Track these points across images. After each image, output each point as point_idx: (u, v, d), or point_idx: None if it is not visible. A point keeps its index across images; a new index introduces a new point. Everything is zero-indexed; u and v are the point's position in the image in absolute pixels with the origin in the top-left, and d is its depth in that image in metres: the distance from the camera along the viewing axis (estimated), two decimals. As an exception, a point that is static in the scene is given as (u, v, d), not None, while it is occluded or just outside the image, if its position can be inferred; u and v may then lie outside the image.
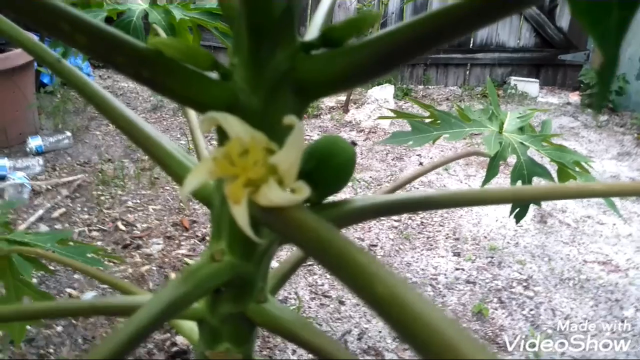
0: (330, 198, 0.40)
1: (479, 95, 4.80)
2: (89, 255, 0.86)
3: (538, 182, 0.84)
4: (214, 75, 0.32)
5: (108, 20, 1.01)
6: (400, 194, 0.39)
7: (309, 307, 1.88)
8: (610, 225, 2.63)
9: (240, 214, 0.26)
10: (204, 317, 0.39)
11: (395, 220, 2.54)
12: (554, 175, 1.04)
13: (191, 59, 0.30)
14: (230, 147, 0.27)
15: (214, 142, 2.34)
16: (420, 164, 3.33)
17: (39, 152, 2.79)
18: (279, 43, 0.31)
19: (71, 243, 0.90)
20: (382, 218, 2.47)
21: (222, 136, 0.32)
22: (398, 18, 4.82)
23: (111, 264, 1.97)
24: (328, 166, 0.37)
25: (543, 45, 5.05)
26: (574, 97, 4.86)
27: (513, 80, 4.90)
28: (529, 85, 4.85)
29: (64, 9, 0.26)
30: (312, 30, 0.44)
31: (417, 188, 2.89)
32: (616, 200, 2.14)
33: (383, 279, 0.21)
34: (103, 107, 0.41)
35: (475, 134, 1.30)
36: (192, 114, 0.56)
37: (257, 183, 0.27)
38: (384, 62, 0.30)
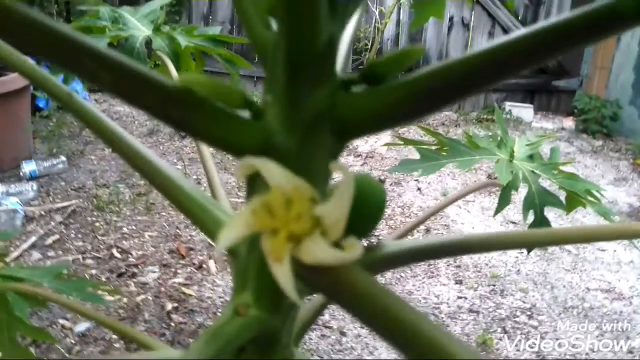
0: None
1: (474, 120, 4.82)
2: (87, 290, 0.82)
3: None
4: (245, 114, 0.29)
5: (110, 46, 0.99)
6: (438, 238, 0.36)
7: (310, 339, 1.82)
8: (610, 252, 2.61)
9: (283, 274, 0.23)
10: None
11: (395, 247, 2.50)
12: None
13: (223, 96, 0.27)
14: (271, 198, 0.24)
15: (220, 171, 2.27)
16: (419, 189, 3.31)
17: (32, 177, 2.74)
18: (318, 79, 0.28)
19: (65, 273, 0.86)
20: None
21: (254, 183, 0.29)
22: (394, 44, 4.87)
23: (105, 292, 1.92)
24: (362, 209, 0.34)
25: (537, 71, 5.11)
26: (568, 123, 4.89)
27: (508, 105, 4.93)
28: (524, 111, 4.88)
29: (87, 44, 0.23)
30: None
31: (416, 214, 2.86)
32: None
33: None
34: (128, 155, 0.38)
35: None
36: (205, 147, 0.53)
37: (300, 237, 0.24)
38: (433, 100, 0.28)
